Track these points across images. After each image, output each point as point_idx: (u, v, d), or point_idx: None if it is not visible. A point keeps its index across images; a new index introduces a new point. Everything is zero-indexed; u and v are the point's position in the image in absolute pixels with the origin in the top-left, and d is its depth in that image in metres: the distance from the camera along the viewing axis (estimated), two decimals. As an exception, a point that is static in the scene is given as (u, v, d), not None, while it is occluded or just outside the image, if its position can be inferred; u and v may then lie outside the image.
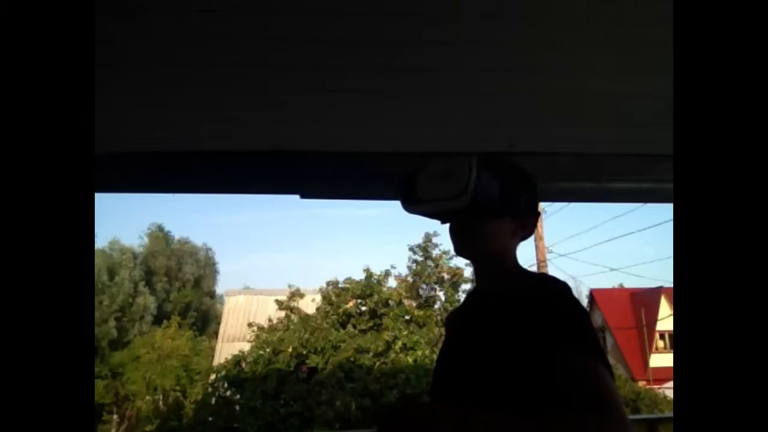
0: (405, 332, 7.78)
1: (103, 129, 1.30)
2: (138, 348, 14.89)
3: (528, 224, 1.12)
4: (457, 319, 1.20)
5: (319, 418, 6.72)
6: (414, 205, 1.06)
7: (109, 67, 1.38)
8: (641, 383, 12.99)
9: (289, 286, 9.33)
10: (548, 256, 12.41)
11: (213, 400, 7.86)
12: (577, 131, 1.88)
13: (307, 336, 7.79)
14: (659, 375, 16.29)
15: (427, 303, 9.04)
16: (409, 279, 9.10)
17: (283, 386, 7.31)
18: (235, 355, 8.16)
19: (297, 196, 2.02)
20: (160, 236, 23.70)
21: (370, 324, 8.12)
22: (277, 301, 9.15)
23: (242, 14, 1.24)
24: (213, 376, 8.35)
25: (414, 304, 8.76)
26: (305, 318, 8.45)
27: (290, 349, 7.72)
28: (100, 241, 20.05)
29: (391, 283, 8.87)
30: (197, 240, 27.09)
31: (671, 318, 15.45)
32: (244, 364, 7.96)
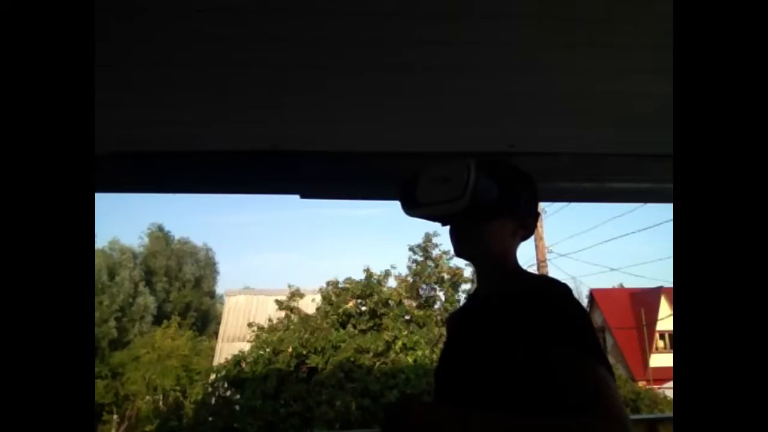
0: (405, 332, 7.78)
1: (103, 129, 1.30)
2: (138, 348, 14.90)
3: (528, 224, 1.13)
4: (459, 320, 1.20)
5: (319, 418, 6.72)
6: (414, 208, 1.07)
7: (109, 67, 1.38)
8: (641, 383, 12.98)
9: (289, 286, 9.33)
10: (548, 256, 12.42)
11: (213, 400, 7.86)
12: (577, 131, 1.88)
13: (307, 336, 7.79)
14: (659, 375, 16.29)
15: (427, 303, 9.04)
16: (409, 279, 9.10)
17: (283, 386, 7.31)
18: (235, 355, 8.15)
19: (297, 196, 2.02)
20: (160, 236, 23.70)
21: (370, 324, 8.12)
22: (277, 301, 9.15)
23: (242, 14, 1.24)
24: (213, 376, 8.35)
25: (414, 304, 8.76)
26: (305, 318, 8.45)
27: (290, 349, 7.72)
28: (100, 241, 20.07)
29: (391, 283, 8.88)
30: (197, 240, 27.15)
31: (671, 318, 15.45)
32: (244, 364, 7.96)
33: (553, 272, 13.77)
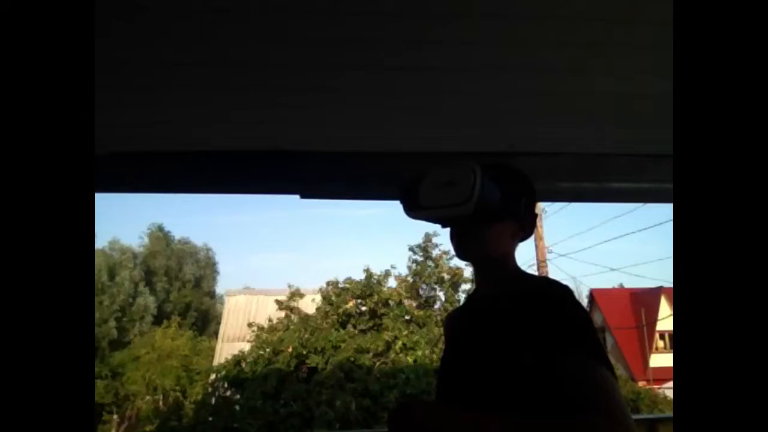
0: (405, 332, 7.78)
1: (103, 129, 1.30)
2: (138, 348, 14.90)
3: (527, 226, 1.14)
4: (459, 321, 1.20)
5: (319, 418, 6.72)
6: (417, 211, 1.07)
7: (109, 67, 1.38)
8: (641, 383, 12.98)
9: (289, 286, 9.33)
10: (548, 256, 12.41)
11: (213, 400, 7.86)
12: (577, 131, 1.88)
13: (307, 336, 7.79)
14: (659, 375, 16.29)
15: (427, 303, 9.04)
16: (409, 279, 9.10)
17: (283, 386, 7.31)
18: (235, 355, 8.15)
19: (297, 196, 2.02)
20: (160, 236, 23.70)
21: (370, 324, 8.12)
22: (277, 301, 9.15)
23: (242, 14, 1.24)
24: (213, 376, 8.35)
25: (414, 304, 8.76)
26: (305, 318, 8.45)
27: (290, 349, 7.72)
28: (100, 241, 20.08)
29: (391, 283, 8.88)
30: (197, 240, 27.12)
31: (671, 318, 15.45)
32: (244, 364, 7.96)
33: (553, 272, 13.76)
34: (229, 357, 8.22)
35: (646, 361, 18.39)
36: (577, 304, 0.98)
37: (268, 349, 7.96)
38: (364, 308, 8.35)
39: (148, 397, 13.53)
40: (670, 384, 12.19)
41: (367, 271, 8.68)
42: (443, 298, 9.03)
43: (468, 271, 8.93)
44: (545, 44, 1.36)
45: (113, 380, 14.46)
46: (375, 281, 8.56)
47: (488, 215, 1.05)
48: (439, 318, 8.35)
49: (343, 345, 7.60)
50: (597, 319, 20.95)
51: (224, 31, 1.30)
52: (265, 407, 7.00)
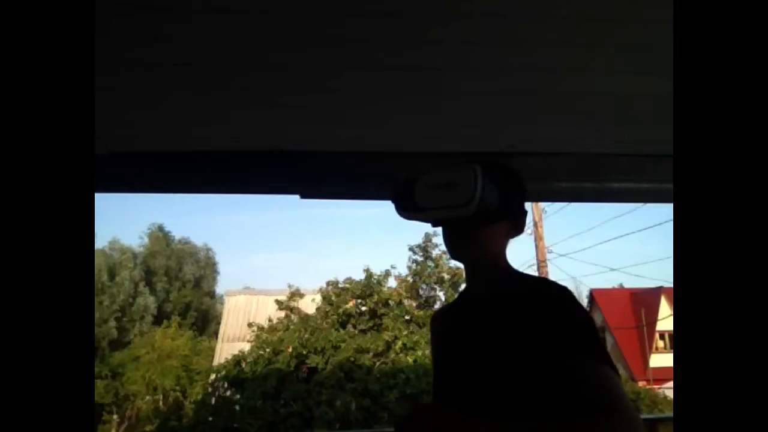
0: (405, 332, 7.78)
1: (103, 129, 1.30)
2: (138, 348, 14.90)
3: (520, 225, 1.14)
4: (450, 322, 1.18)
5: (319, 418, 6.72)
6: (413, 212, 1.07)
7: (109, 67, 1.38)
8: (641, 383, 12.98)
9: (289, 286, 9.33)
10: (548, 256, 12.41)
11: (213, 400, 7.86)
12: (577, 131, 1.88)
13: (307, 336, 7.79)
14: (659, 375, 16.28)
15: (427, 303, 9.04)
16: (409, 279, 9.10)
17: (283, 386, 7.30)
18: (235, 355, 8.15)
19: (297, 196, 2.02)
20: (160, 236, 23.70)
21: (370, 324, 8.12)
22: (277, 301, 9.15)
23: (242, 14, 1.24)
24: (213, 376, 8.35)
25: (414, 304, 8.76)
26: (305, 318, 8.45)
27: (290, 349, 7.72)
28: (100, 241, 20.08)
29: (391, 283, 8.88)
30: (197, 240, 27.09)
31: (671, 318, 15.45)
32: (244, 364, 7.96)
33: (553, 272, 13.77)
34: (229, 357, 8.22)
35: (646, 361, 18.39)
36: (578, 304, 0.98)
37: (268, 349, 7.96)
38: (364, 308, 8.35)
39: (148, 397, 13.53)
40: (670, 384, 12.18)
41: (367, 271, 8.68)
42: (443, 298, 9.03)
43: (468, 271, 8.91)
44: (545, 44, 1.36)
45: (113, 380, 14.45)
46: (375, 281, 8.56)
47: (487, 217, 1.05)
48: (439, 318, 8.33)
49: (343, 345, 7.60)
50: (597, 319, 20.93)
51: (224, 31, 1.30)
52: (265, 407, 6.99)
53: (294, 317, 8.69)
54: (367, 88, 1.58)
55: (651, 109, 1.66)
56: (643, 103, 1.65)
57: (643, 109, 1.68)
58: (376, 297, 8.30)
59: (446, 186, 1.01)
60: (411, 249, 9.47)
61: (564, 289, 1.00)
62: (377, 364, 7.46)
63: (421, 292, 9.14)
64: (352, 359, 7.39)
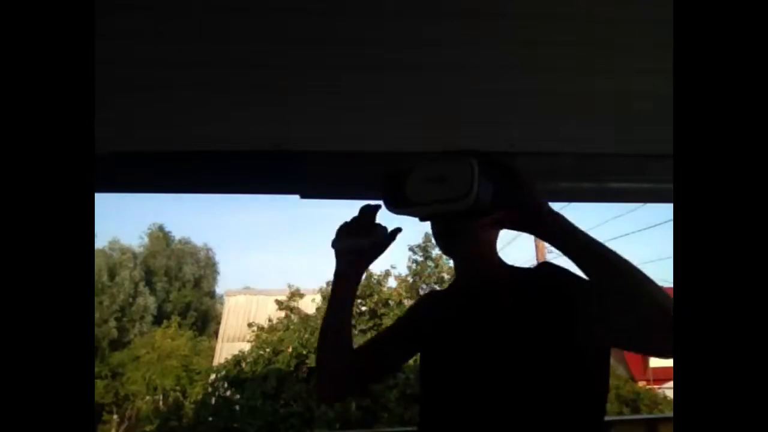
0: (405, 332, 7.77)
1: (103, 129, 1.30)
2: (138, 348, 14.89)
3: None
4: (455, 316, 1.11)
5: (319, 418, 6.72)
6: (403, 207, 1.01)
7: (110, 67, 1.38)
8: (641, 383, 12.97)
9: (289, 286, 9.33)
10: (548, 256, 12.40)
11: (213, 400, 7.85)
12: (577, 131, 1.88)
13: (307, 336, 7.78)
14: (659, 375, 16.26)
15: (427, 303, 9.03)
16: (409, 279, 9.10)
17: (283, 386, 7.30)
18: (235, 355, 8.15)
19: (297, 196, 2.02)
20: (160, 236, 23.68)
21: (370, 324, 8.11)
22: (277, 301, 9.14)
23: (242, 14, 1.24)
24: (213, 376, 8.34)
25: (414, 304, 8.75)
26: (305, 318, 8.45)
27: (290, 349, 7.71)
28: (100, 241, 20.06)
29: (391, 283, 8.86)
30: (198, 240, 27.04)
31: (671, 318, 15.39)
32: (244, 364, 7.96)
33: (553, 272, 13.70)
34: (229, 357, 8.22)
35: (646, 361, 18.35)
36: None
37: (268, 349, 7.95)
38: (364, 308, 8.35)
39: (148, 397, 13.51)
40: (670, 384, 12.18)
41: (367, 271, 8.67)
42: (443, 298, 9.01)
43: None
44: (545, 44, 1.36)
45: (113, 380, 14.45)
46: (375, 281, 8.56)
47: (484, 211, 1.02)
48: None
49: (343, 345, 7.59)
50: (597, 319, 20.87)
51: (225, 31, 1.30)
52: (265, 407, 6.99)
53: (294, 317, 8.69)
54: (367, 88, 1.58)
55: (651, 109, 1.66)
56: (643, 103, 1.65)
57: (643, 109, 1.68)
58: (376, 297, 8.30)
59: (440, 179, 0.97)
60: (411, 249, 9.47)
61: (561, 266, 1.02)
62: (377, 364, 7.45)
63: (421, 292, 9.14)
64: (352, 359, 7.38)
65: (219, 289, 25.14)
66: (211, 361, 11.44)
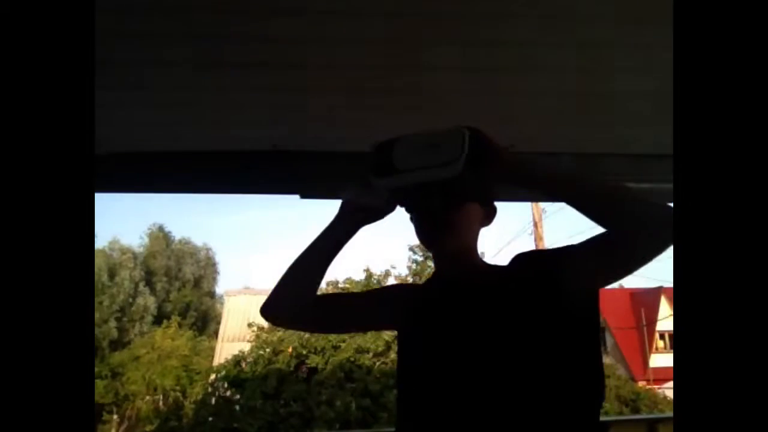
0: (405, 332, 7.76)
1: (103, 129, 1.30)
2: (138, 348, 14.89)
3: (492, 213, 1.12)
4: (436, 313, 1.07)
5: (319, 418, 6.72)
6: (390, 175, 0.98)
7: (109, 67, 1.38)
8: (641, 383, 12.98)
9: (289, 286, 9.31)
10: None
11: (213, 400, 7.86)
12: (577, 131, 1.88)
13: (307, 336, 7.78)
14: (659, 375, 16.27)
15: (427, 303, 9.03)
16: (409, 279, 9.09)
17: (283, 386, 7.31)
18: (235, 355, 8.15)
19: (297, 196, 2.02)
20: (160, 236, 23.68)
21: (370, 324, 8.11)
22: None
23: (242, 14, 1.24)
24: (213, 376, 8.35)
25: (414, 304, 8.74)
26: (305, 318, 8.44)
27: (290, 349, 7.72)
28: (100, 241, 20.05)
29: (391, 282, 8.87)
30: (197, 240, 27.09)
31: (671, 318, 15.45)
32: (244, 364, 7.96)
33: (553, 272, 13.69)
34: (229, 357, 8.22)
35: (646, 361, 18.38)
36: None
37: (268, 349, 7.95)
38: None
39: (148, 397, 13.51)
40: (670, 384, 12.18)
41: (367, 271, 8.68)
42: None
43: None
44: (545, 44, 1.36)
45: (113, 380, 14.44)
46: (375, 281, 8.56)
47: (472, 187, 1.02)
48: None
49: (343, 345, 7.60)
50: (597, 319, 20.88)
51: (225, 31, 1.30)
52: (265, 407, 7.00)
53: (294, 317, 8.68)
54: (367, 88, 1.58)
55: (651, 109, 1.66)
56: (643, 103, 1.65)
57: (643, 109, 1.68)
58: (376, 297, 8.29)
59: (430, 146, 0.95)
60: (411, 249, 9.48)
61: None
62: (377, 364, 7.46)
63: (421, 292, 9.13)
64: (352, 359, 7.39)
65: (219, 289, 25.15)
66: (211, 361, 11.44)
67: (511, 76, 1.52)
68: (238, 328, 12.09)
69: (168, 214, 49.61)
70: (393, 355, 7.54)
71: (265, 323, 8.85)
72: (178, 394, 12.77)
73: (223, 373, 7.93)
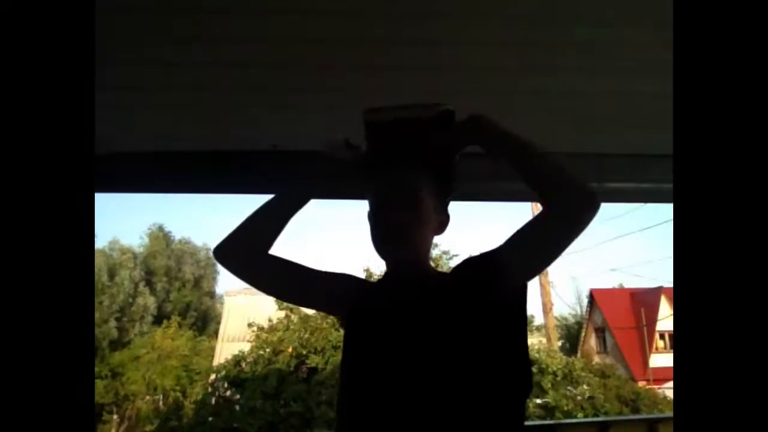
0: (405, 332, 7.76)
1: (103, 129, 1.30)
2: (138, 348, 14.90)
3: (444, 224, 1.14)
4: (383, 319, 1.08)
5: (319, 418, 6.72)
6: (376, 113, 1.11)
7: (109, 67, 1.38)
8: (641, 383, 12.98)
9: (289, 286, 9.32)
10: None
11: (213, 400, 7.86)
12: (576, 131, 1.88)
13: (307, 336, 7.78)
14: (659, 375, 16.28)
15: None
16: (409, 279, 9.09)
17: (283, 386, 7.31)
18: (235, 355, 8.15)
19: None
20: (160, 236, 23.68)
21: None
22: (277, 301, 9.14)
23: (242, 14, 1.24)
24: (213, 376, 8.35)
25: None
26: (305, 318, 8.45)
27: (290, 349, 7.72)
28: (100, 241, 20.04)
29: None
30: (197, 240, 27.07)
31: (671, 318, 15.45)
32: (244, 364, 7.96)
33: (553, 272, 13.77)
34: (229, 357, 8.22)
35: (646, 361, 18.39)
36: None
37: (268, 349, 7.95)
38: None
39: (148, 397, 13.52)
40: (670, 384, 12.18)
41: (367, 271, 8.67)
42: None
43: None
44: (545, 44, 1.36)
45: (113, 380, 14.43)
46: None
47: (442, 129, 1.08)
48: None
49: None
50: (597, 319, 20.95)
51: (225, 31, 1.30)
52: (265, 407, 7.00)
53: (294, 317, 8.68)
54: (367, 88, 1.58)
55: (651, 109, 1.66)
56: (643, 103, 1.65)
57: (643, 109, 1.68)
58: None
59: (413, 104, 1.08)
60: (411, 249, 9.46)
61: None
62: (377, 364, 7.45)
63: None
64: (352, 359, 7.38)
65: (219, 289, 25.13)
66: (211, 361, 11.44)
67: (511, 76, 1.52)
68: (238, 328, 12.09)
69: (168, 214, 49.64)
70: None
71: (265, 323, 8.86)
72: (178, 394, 12.77)
73: (223, 373, 7.93)
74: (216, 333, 15.38)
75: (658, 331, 18.82)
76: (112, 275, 19.52)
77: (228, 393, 7.87)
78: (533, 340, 10.86)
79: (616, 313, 19.87)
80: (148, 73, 1.48)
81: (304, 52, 1.39)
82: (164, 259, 22.69)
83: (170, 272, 22.73)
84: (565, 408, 7.65)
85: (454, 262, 9.14)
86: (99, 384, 13.60)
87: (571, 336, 24.25)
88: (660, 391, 10.98)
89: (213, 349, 13.54)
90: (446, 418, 0.92)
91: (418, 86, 1.56)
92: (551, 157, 1.02)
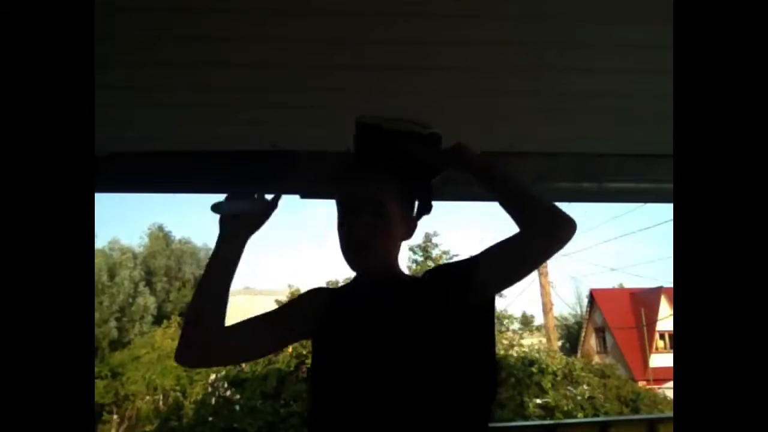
0: (405, 332, 7.76)
1: (103, 129, 1.30)
2: (138, 348, 14.89)
3: (412, 230, 1.14)
4: (351, 326, 1.09)
5: (319, 418, 6.70)
6: (366, 117, 1.14)
7: (109, 67, 1.38)
8: (641, 383, 12.97)
9: (289, 286, 9.34)
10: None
11: (213, 400, 7.86)
12: (576, 131, 1.88)
13: (307, 336, 7.78)
14: (659, 375, 16.28)
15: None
16: (409, 279, 9.10)
17: (283, 386, 7.31)
18: (235, 355, 8.14)
19: (297, 196, 2.02)
20: (160, 236, 23.67)
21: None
22: (278, 301, 9.13)
23: (242, 14, 1.24)
24: (213, 376, 8.35)
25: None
26: (305, 318, 8.44)
27: (290, 349, 7.71)
28: (100, 241, 20.04)
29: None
30: (197, 240, 27.04)
31: (671, 318, 15.45)
32: (244, 364, 7.95)
33: (553, 272, 13.75)
34: (229, 357, 8.21)
35: (646, 361, 18.39)
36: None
37: (268, 349, 7.94)
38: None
39: (148, 397, 13.51)
40: (670, 384, 12.18)
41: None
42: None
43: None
44: (545, 44, 1.36)
45: (113, 380, 14.43)
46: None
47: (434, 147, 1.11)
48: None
49: (343, 345, 7.59)
50: (597, 319, 20.95)
51: (224, 32, 1.30)
52: (265, 407, 7.00)
53: (294, 317, 8.68)
54: (368, 88, 1.58)
55: (651, 109, 1.66)
56: (643, 103, 1.65)
57: (643, 109, 1.68)
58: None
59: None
60: (411, 249, 9.50)
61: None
62: (377, 364, 7.45)
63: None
64: (352, 359, 7.38)
65: (219, 289, 25.06)
66: (211, 361, 11.41)
67: (511, 76, 1.52)
68: (238, 328, 12.07)
69: (168, 214, 49.64)
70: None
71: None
72: (178, 394, 12.75)
73: (223, 373, 7.92)
74: (216, 333, 15.33)
75: (658, 331, 18.82)
76: (112, 275, 19.51)
77: (228, 393, 7.87)
78: (533, 340, 10.85)
79: (616, 313, 19.87)
80: (148, 73, 1.48)
81: (304, 52, 1.39)
82: (164, 259, 22.69)
83: (170, 272, 22.72)
84: (565, 408, 7.65)
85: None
86: (99, 384, 13.59)
87: (571, 336, 24.26)
88: (660, 391, 10.97)
89: (213, 349, 13.48)
90: (412, 421, 0.94)
91: (417, 86, 1.55)
92: (531, 189, 1.04)
